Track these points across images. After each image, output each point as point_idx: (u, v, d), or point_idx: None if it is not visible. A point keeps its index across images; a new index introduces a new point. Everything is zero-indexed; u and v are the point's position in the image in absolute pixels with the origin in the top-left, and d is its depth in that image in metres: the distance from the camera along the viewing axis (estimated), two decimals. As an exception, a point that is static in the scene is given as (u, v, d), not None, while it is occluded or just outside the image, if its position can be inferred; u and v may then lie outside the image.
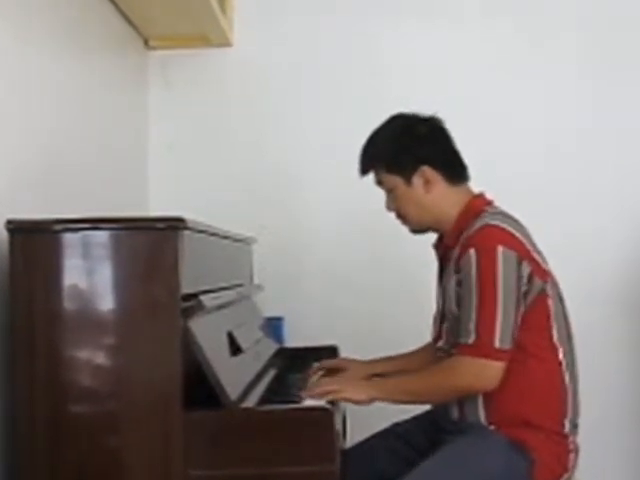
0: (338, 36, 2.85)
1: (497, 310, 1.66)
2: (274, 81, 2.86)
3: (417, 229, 1.91)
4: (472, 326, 1.67)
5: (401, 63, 2.82)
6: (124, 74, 2.64)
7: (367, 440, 1.96)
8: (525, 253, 1.72)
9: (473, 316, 1.68)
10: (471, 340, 1.68)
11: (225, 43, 2.82)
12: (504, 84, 2.81)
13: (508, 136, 2.79)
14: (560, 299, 1.79)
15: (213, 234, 1.78)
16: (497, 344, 1.66)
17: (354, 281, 2.81)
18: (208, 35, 2.76)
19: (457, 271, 1.75)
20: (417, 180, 1.83)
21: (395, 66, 2.82)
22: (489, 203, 1.86)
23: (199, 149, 2.87)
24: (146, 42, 2.83)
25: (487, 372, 1.67)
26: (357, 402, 1.74)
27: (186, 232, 1.48)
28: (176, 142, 2.87)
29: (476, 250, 1.70)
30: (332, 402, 1.65)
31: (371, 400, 1.75)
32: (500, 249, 1.68)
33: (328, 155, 2.79)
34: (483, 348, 1.66)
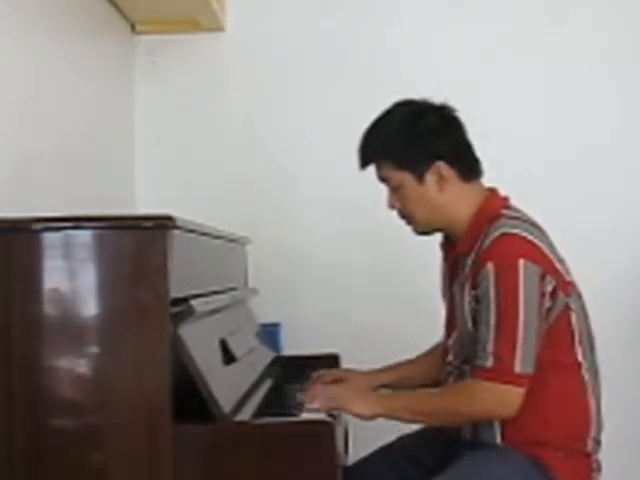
0: (338, 21, 2.85)
1: (518, 331, 1.62)
2: (270, 69, 2.86)
3: (424, 230, 1.85)
4: (490, 348, 1.64)
5: (404, 47, 2.83)
6: (109, 61, 2.64)
7: (370, 456, 1.96)
8: (549, 266, 1.68)
9: (492, 337, 1.64)
10: (489, 364, 1.64)
11: (217, 28, 2.82)
12: (513, 71, 2.82)
13: (516, 127, 2.80)
14: (583, 311, 1.77)
15: (204, 234, 1.77)
16: (518, 369, 1.63)
17: (356, 284, 2.81)
18: (199, 19, 2.76)
19: (474, 286, 1.71)
20: (430, 177, 1.77)
21: (398, 51, 2.83)
22: (505, 202, 1.81)
23: (189, 142, 2.87)
24: (133, 27, 2.83)
25: (507, 399, 1.64)
26: (359, 416, 1.73)
27: (175, 231, 1.47)
28: (165, 134, 2.87)
29: (495, 264, 1.65)
30: (333, 415, 1.65)
31: (375, 416, 1.72)
32: (522, 263, 1.64)
33: (328, 149, 2.78)
34: (503, 373, 1.63)
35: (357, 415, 1.72)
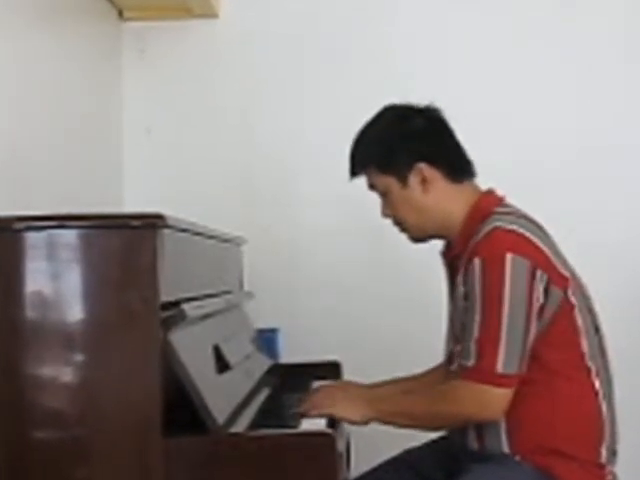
0: (338, 8, 2.85)
1: (501, 329, 1.64)
2: (267, 58, 2.86)
3: (418, 237, 1.89)
4: (474, 346, 1.67)
5: (408, 36, 2.83)
6: (95, 49, 2.64)
7: (374, 470, 1.96)
8: (540, 259, 1.69)
9: (475, 335, 1.67)
10: (471, 363, 1.67)
11: (210, 14, 2.82)
12: (514, 69, 2.82)
13: (528, 124, 2.80)
14: (588, 307, 1.78)
15: (197, 233, 1.77)
16: (499, 369, 1.64)
17: (358, 288, 2.81)
18: (190, 4, 2.76)
19: (464, 283, 1.74)
20: (413, 179, 1.82)
21: (402, 41, 2.83)
22: (500, 201, 1.84)
23: (181, 136, 2.87)
24: (120, 13, 2.83)
25: (489, 400, 1.66)
26: (351, 422, 1.78)
27: (166, 231, 1.48)
28: (154, 127, 2.86)
29: (481, 258, 1.68)
30: (334, 426, 1.66)
31: (367, 421, 1.77)
32: (509, 257, 1.66)
33: (328, 144, 2.78)
34: (483, 373, 1.65)
35: (348, 420, 1.77)
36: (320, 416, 1.75)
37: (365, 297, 2.81)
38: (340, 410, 1.77)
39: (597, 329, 1.79)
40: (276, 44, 2.85)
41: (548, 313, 1.70)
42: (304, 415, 1.76)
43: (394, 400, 1.87)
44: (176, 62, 2.88)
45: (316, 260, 2.83)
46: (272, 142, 2.85)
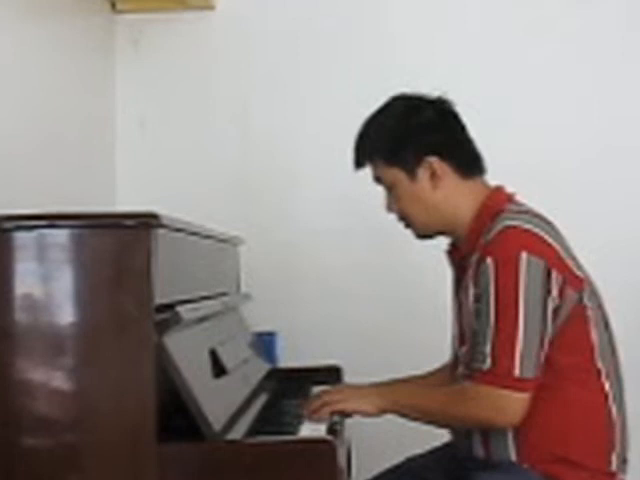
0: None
1: (518, 332, 1.64)
2: (264, 50, 2.86)
3: (424, 233, 1.89)
4: (488, 350, 1.66)
5: (410, 27, 2.82)
6: (87, 42, 2.64)
7: (375, 478, 1.97)
8: (555, 259, 1.69)
9: (489, 338, 1.67)
10: (486, 366, 1.66)
11: (206, 5, 2.83)
12: (535, 53, 2.81)
13: (538, 119, 2.79)
14: (601, 310, 1.78)
15: (193, 233, 1.77)
16: (517, 373, 1.64)
17: (358, 290, 2.81)
18: (186, -4, 2.76)
19: (475, 284, 1.74)
20: (423, 174, 1.81)
21: (404, 32, 2.82)
22: (510, 198, 1.84)
23: (175, 132, 2.87)
24: (113, 5, 2.83)
25: (507, 405, 1.66)
26: (365, 414, 1.79)
27: (160, 231, 1.47)
28: (149, 122, 2.86)
29: (495, 259, 1.68)
30: (334, 432, 1.65)
31: (381, 412, 1.78)
32: (524, 256, 1.66)
33: (328, 141, 2.78)
34: (500, 377, 1.65)
35: (362, 413, 1.79)
36: (332, 413, 1.76)
37: (365, 299, 2.81)
38: (353, 404, 1.78)
39: (609, 331, 1.79)
40: (273, 36, 2.85)
41: (562, 316, 1.70)
42: (314, 415, 1.77)
43: (408, 392, 1.88)
44: (171, 55, 2.88)
45: (315, 261, 2.83)
46: (270, 138, 2.85)
